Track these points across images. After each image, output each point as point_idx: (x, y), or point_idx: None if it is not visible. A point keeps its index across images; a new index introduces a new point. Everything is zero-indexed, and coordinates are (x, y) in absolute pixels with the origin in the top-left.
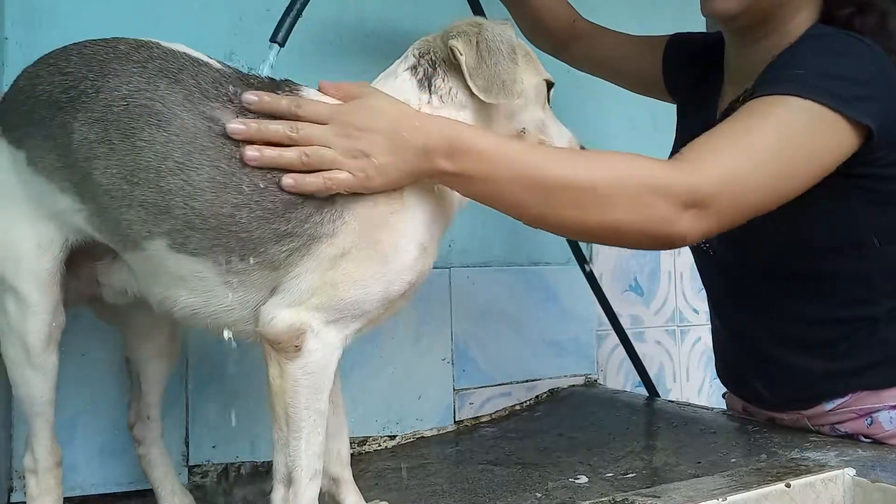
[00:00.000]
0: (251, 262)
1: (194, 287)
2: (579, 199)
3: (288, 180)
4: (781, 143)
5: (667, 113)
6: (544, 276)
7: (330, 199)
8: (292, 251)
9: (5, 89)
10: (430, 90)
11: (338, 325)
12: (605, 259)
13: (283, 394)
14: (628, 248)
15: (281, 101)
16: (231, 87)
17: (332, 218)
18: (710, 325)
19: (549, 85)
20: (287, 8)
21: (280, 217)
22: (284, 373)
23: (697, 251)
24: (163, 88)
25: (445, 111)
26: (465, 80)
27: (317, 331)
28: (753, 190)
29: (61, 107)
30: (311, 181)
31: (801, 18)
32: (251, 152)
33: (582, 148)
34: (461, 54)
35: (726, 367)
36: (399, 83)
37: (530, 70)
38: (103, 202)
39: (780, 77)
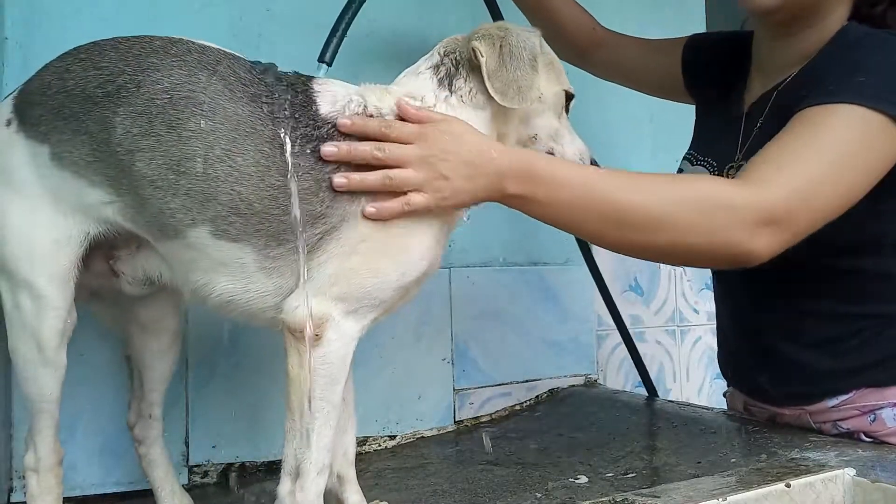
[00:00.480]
0: (289, 245)
1: (233, 273)
2: (648, 223)
3: (370, 209)
4: (845, 153)
5: (666, 112)
6: (544, 276)
7: None
8: (324, 233)
9: (5, 89)
10: (449, 88)
11: (356, 316)
12: (605, 259)
13: (300, 382)
14: (702, 267)
15: (370, 123)
16: (268, 79)
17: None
18: (710, 325)
19: (570, 96)
20: (332, 29)
21: (314, 196)
22: (304, 361)
23: None
24: (204, 80)
25: (463, 111)
26: (484, 82)
27: (337, 321)
28: (823, 201)
29: (97, 102)
30: (389, 206)
31: (838, 15)
32: (339, 179)
33: (593, 161)
34: (482, 56)
35: (730, 360)
36: (420, 81)
37: (551, 79)
38: (145, 193)
39: (832, 85)
